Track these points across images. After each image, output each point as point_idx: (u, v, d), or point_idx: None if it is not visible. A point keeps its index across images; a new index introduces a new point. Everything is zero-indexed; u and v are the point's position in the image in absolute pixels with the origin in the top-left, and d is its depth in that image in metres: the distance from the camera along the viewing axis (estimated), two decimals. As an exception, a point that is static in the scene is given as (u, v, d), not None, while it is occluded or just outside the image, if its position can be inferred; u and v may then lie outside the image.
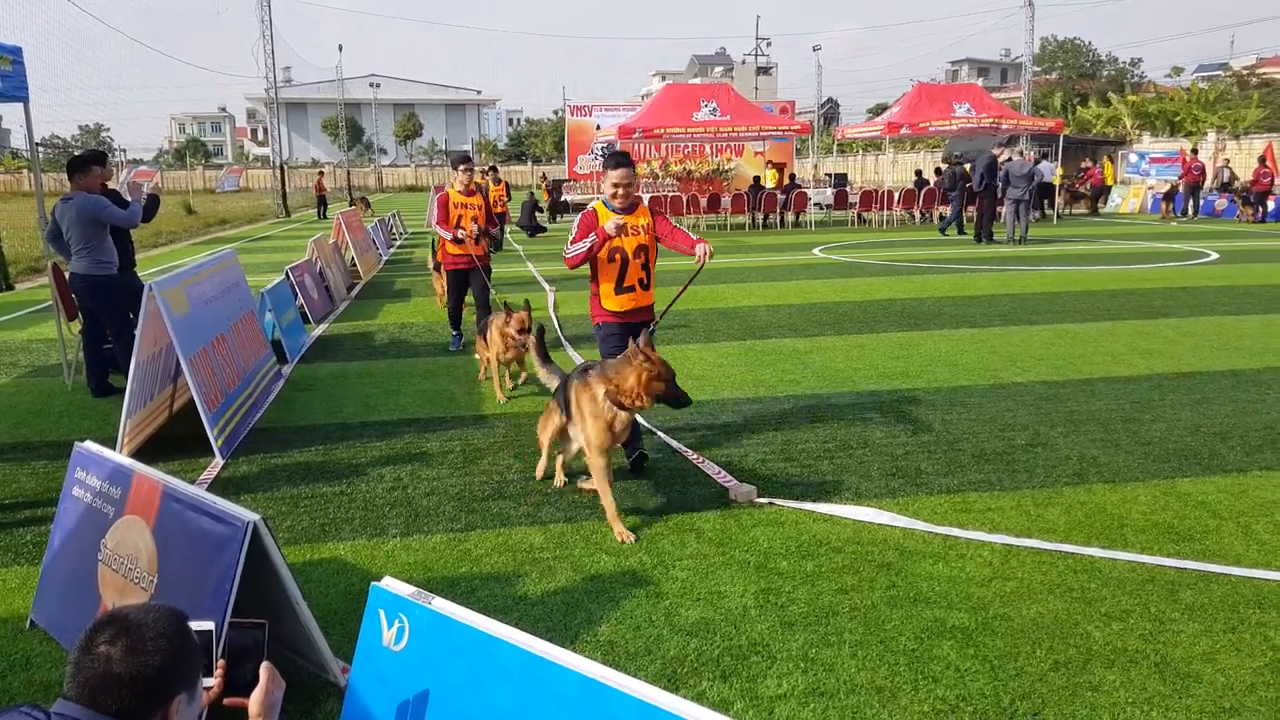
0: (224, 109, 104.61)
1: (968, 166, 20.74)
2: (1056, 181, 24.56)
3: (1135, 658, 3.10)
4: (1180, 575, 3.71)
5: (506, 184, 20.99)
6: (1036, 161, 21.64)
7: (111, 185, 7.53)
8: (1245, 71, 55.23)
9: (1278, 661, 3.06)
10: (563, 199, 28.24)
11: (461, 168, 8.15)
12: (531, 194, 27.31)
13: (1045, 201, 24.35)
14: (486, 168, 21.39)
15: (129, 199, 7.47)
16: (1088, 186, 28.27)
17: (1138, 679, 2.98)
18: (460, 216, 7.99)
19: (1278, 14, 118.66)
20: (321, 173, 32.27)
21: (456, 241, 7.96)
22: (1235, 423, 5.78)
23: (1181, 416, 5.93)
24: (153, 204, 7.51)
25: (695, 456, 5.29)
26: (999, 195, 19.02)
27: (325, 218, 30.38)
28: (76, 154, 7.35)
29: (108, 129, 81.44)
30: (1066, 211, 27.13)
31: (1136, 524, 4.24)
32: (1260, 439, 5.44)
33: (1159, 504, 4.47)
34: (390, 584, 2.37)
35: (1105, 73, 64.25)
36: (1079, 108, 45.36)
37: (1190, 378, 6.96)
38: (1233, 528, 4.16)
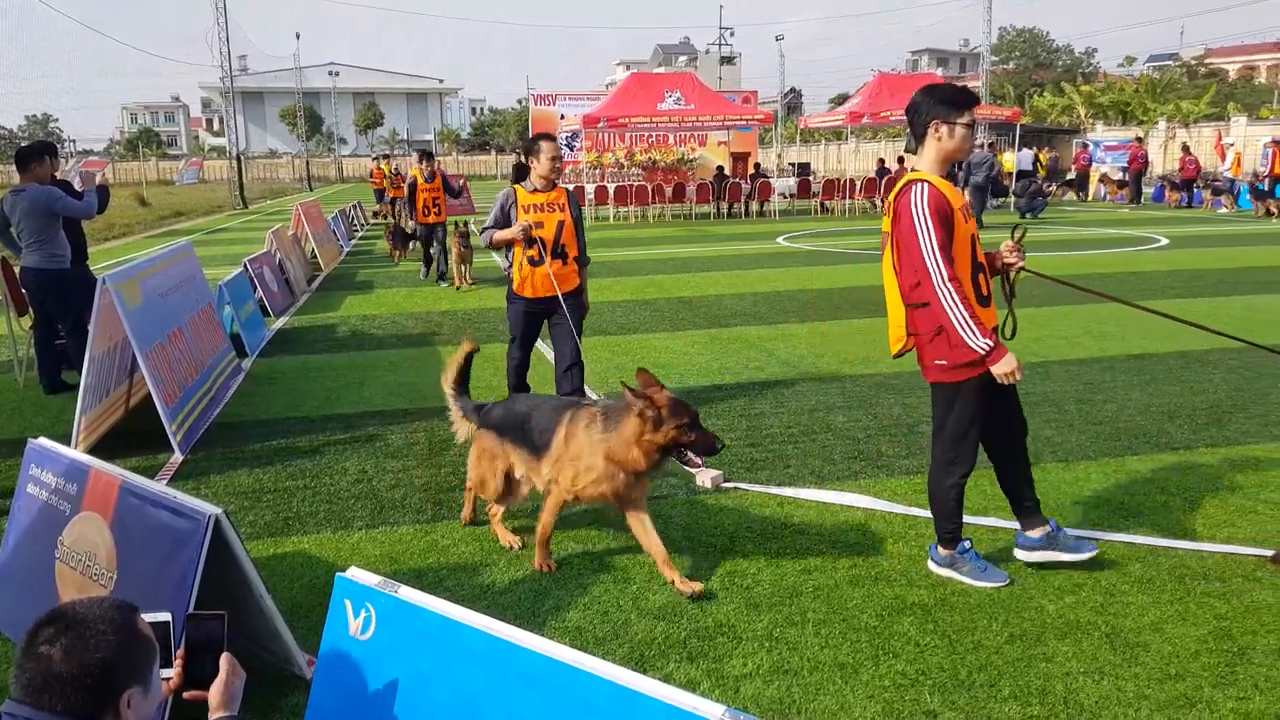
0: (178, 98, 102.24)
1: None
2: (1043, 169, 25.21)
3: (1087, 629, 3.21)
4: (1130, 549, 3.83)
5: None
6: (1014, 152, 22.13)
7: (59, 176, 7.35)
8: (1194, 61, 56.48)
9: (1221, 630, 3.18)
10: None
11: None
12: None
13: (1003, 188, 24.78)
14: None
15: (80, 189, 7.30)
16: (1073, 172, 29.09)
17: (1089, 649, 3.08)
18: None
19: (1226, 6, 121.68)
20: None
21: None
22: (1182, 402, 5.95)
23: (1131, 397, 6.09)
24: (104, 195, 7.34)
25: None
26: (959, 184, 19.34)
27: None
28: (24, 144, 7.16)
29: (56, 119, 79.35)
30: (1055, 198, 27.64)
31: (1088, 500, 4.36)
32: (1206, 417, 5.61)
33: (1110, 481, 4.60)
34: (355, 574, 2.37)
35: (1061, 62, 65.25)
36: (1035, 97, 46.05)
37: (1140, 359, 7.15)
38: (1180, 503, 4.30)
